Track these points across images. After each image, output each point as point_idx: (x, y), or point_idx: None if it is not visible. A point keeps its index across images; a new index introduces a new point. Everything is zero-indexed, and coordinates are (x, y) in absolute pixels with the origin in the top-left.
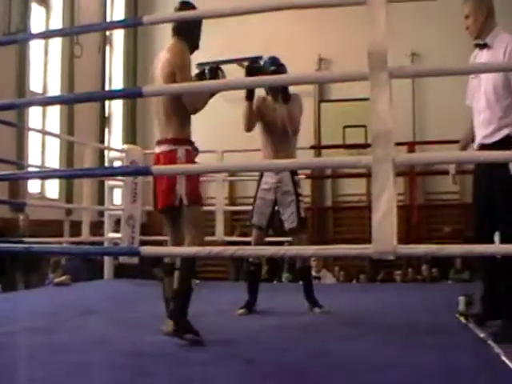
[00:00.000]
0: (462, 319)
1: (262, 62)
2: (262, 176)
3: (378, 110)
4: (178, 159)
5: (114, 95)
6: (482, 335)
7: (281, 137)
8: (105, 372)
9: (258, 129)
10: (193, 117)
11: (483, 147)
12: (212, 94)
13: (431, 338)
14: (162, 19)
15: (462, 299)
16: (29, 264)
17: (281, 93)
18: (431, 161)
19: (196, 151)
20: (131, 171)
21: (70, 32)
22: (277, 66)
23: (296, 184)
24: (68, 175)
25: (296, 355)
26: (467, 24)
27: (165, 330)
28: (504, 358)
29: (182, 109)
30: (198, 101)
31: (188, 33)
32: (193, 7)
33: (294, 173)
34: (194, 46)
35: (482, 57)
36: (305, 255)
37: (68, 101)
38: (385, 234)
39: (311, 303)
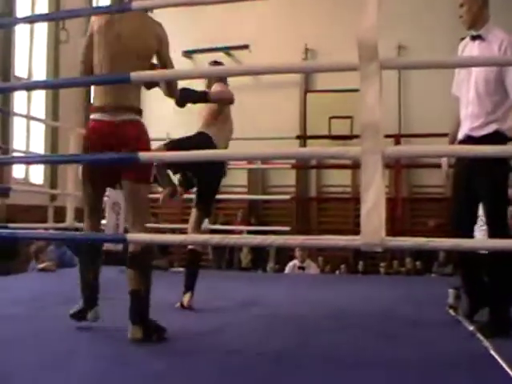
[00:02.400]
0: (452, 312)
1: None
2: None
3: (368, 102)
4: (144, 133)
5: (100, 81)
6: (470, 328)
7: None
8: (86, 362)
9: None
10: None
11: (469, 139)
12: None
13: (418, 332)
14: (151, 5)
15: (451, 292)
16: (7, 251)
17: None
18: (421, 154)
19: None
20: (117, 158)
21: (56, 17)
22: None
23: None
24: (54, 161)
25: (276, 347)
26: (461, 13)
27: (133, 337)
28: (492, 352)
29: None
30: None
31: None
32: None
33: None
34: None
35: (473, 48)
36: (292, 245)
37: (54, 85)
38: (373, 226)
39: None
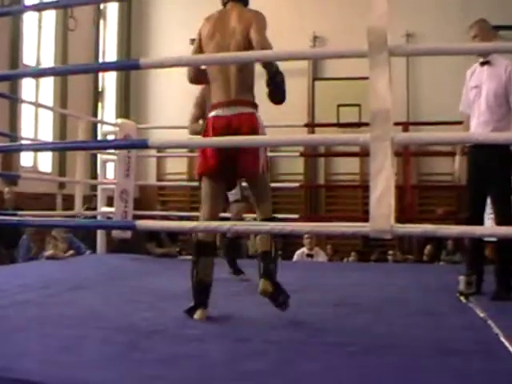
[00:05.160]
0: (463, 299)
1: None
2: None
3: (378, 89)
4: (259, 125)
5: (110, 67)
6: (481, 315)
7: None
8: (97, 346)
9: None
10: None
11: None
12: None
13: (429, 318)
14: None
15: (462, 279)
16: (13, 239)
17: None
18: (430, 141)
19: None
20: (127, 144)
21: (64, 4)
22: None
23: None
24: (63, 147)
25: (287, 333)
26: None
27: (264, 289)
28: (503, 339)
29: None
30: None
31: None
32: None
33: None
34: None
35: (482, 72)
36: (302, 232)
37: (64, 72)
38: (382, 213)
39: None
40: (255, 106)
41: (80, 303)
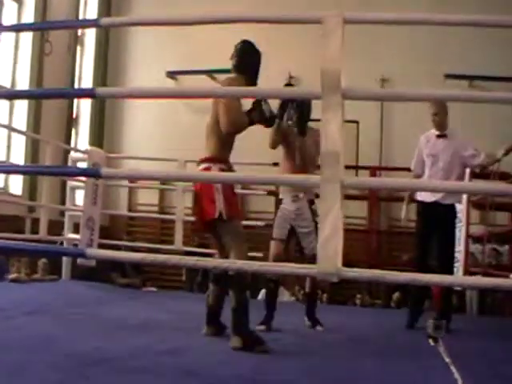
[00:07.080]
0: (431, 342)
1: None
2: (280, 202)
3: (329, 131)
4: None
5: (64, 94)
6: (447, 360)
7: (298, 164)
8: (43, 373)
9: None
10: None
11: (438, 204)
12: (252, 122)
13: (394, 361)
14: (119, 22)
15: (430, 322)
16: None
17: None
18: (379, 185)
19: (231, 170)
20: (79, 172)
21: (40, 27)
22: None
23: (314, 213)
24: (15, 170)
25: (236, 370)
26: (435, 119)
27: (233, 346)
28: None
29: (220, 131)
30: (237, 120)
31: (246, 70)
32: (253, 48)
33: (311, 202)
34: (251, 83)
35: (438, 143)
36: (248, 270)
37: (26, 96)
38: (329, 255)
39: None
40: (213, 160)
41: (33, 328)
